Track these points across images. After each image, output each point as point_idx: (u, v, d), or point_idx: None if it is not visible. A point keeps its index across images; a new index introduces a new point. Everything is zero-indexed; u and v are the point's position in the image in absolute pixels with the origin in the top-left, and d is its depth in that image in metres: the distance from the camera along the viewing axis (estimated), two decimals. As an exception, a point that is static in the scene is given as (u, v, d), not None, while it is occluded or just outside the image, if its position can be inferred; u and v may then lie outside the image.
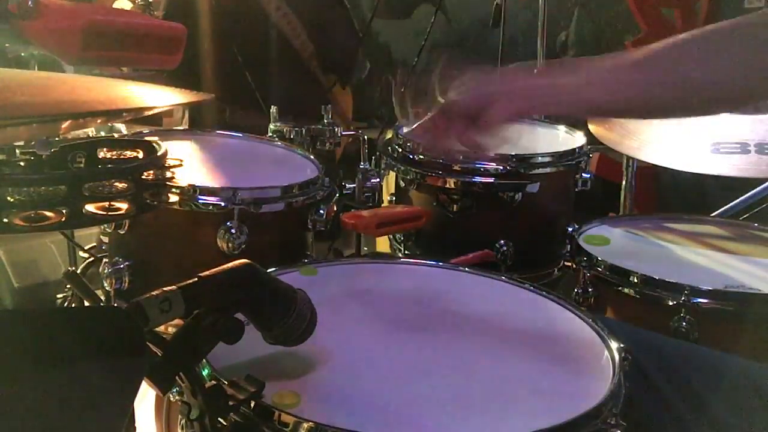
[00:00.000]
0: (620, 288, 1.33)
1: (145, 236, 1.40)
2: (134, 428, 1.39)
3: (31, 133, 0.78)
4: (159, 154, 1.00)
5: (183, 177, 1.22)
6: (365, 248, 1.85)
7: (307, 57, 2.57)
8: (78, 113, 0.72)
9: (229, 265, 0.81)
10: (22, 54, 2.28)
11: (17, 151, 0.81)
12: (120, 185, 0.85)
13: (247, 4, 2.49)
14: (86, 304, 0.89)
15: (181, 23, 1.78)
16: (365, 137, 1.78)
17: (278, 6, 2.48)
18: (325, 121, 1.76)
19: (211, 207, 1.31)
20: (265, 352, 0.91)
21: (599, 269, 1.36)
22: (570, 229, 1.59)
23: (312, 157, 1.61)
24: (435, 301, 1.16)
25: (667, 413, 1.01)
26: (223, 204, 1.31)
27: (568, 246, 1.52)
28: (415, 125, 1.07)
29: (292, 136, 1.73)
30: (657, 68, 0.97)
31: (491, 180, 1.57)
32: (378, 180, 1.72)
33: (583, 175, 1.71)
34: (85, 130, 1.45)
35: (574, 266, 1.44)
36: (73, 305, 1.74)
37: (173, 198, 1.27)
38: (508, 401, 0.88)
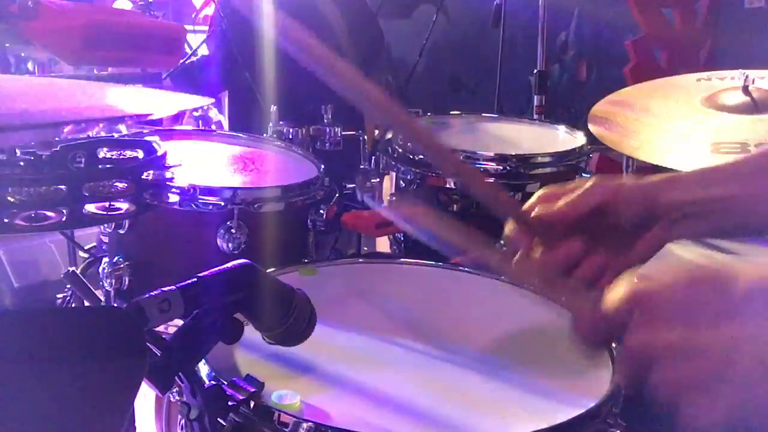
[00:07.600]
0: (620, 288, 1.33)
1: (145, 236, 1.39)
2: (134, 428, 1.39)
3: (31, 138, 0.78)
4: (159, 154, 1.00)
5: (183, 177, 1.22)
6: (365, 248, 1.85)
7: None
8: (78, 120, 0.72)
9: (229, 265, 0.81)
10: (22, 54, 2.28)
11: (17, 151, 0.81)
12: (120, 185, 0.85)
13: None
14: (86, 304, 0.89)
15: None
16: (365, 137, 1.78)
17: None
18: (325, 120, 1.77)
19: (211, 207, 1.31)
20: (265, 352, 0.91)
21: (599, 269, 1.36)
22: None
23: (312, 157, 1.61)
24: (435, 301, 1.16)
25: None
26: (223, 204, 1.31)
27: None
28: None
29: (291, 136, 1.73)
30: None
31: (491, 180, 1.57)
32: (378, 180, 1.72)
33: (583, 175, 1.71)
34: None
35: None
36: (73, 305, 1.74)
37: (173, 198, 1.27)
38: (508, 401, 0.88)
